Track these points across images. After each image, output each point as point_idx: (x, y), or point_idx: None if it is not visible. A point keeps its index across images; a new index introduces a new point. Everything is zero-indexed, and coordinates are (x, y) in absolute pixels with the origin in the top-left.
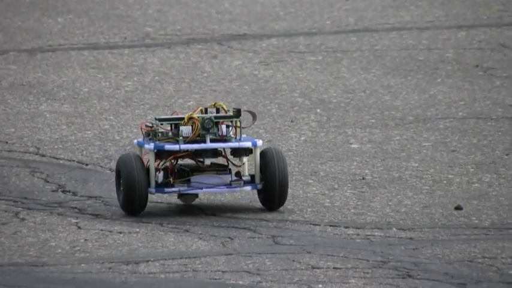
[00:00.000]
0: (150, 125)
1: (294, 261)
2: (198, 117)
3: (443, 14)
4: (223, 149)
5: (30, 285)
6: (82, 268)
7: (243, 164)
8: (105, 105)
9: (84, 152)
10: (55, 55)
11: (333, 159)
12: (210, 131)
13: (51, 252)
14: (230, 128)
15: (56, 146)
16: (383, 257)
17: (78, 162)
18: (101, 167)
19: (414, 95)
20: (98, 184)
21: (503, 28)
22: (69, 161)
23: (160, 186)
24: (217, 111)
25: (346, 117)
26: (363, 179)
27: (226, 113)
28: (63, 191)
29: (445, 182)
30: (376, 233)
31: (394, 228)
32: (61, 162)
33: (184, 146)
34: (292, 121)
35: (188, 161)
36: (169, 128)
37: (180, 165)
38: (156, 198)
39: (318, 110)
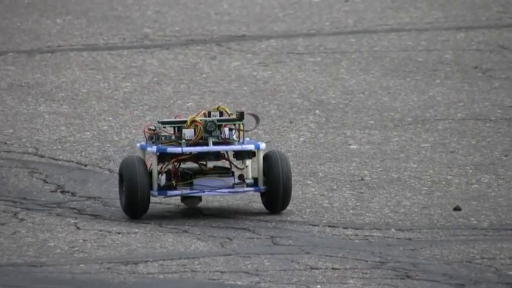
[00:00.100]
0: (153, 128)
1: (292, 261)
2: (201, 120)
3: (442, 16)
4: (226, 151)
5: (29, 285)
6: (81, 268)
7: (246, 166)
8: (104, 106)
9: (83, 152)
10: (54, 56)
11: (331, 160)
12: (213, 134)
13: (50, 252)
14: (233, 131)
15: (54, 147)
16: (382, 258)
17: (77, 163)
18: (100, 167)
19: (413, 96)
20: (96, 185)
21: (502, 29)
22: (68, 161)
23: (163, 189)
24: (221, 114)
25: (345, 118)
26: (362, 179)
27: (229, 116)
28: (62, 192)
29: (443, 182)
30: (374, 234)
31: (393, 229)
32: (60, 163)
33: (186, 149)
34: (291, 122)
35: (191, 164)
36: (172, 131)
37: (183, 168)
38: (154, 199)
39: (317, 111)
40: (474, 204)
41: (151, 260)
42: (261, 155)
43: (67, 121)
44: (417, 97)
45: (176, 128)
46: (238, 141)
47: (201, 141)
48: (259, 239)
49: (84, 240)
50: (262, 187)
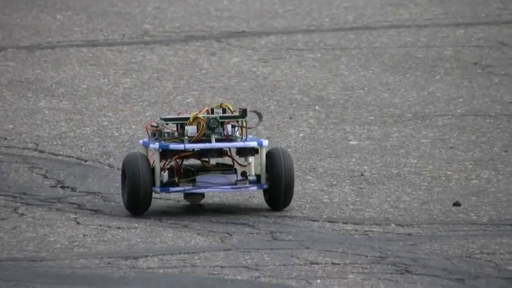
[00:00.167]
0: (156, 125)
1: (292, 256)
2: (204, 117)
3: (442, 12)
4: (229, 148)
5: (29, 280)
6: (81, 263)
7: (249, 163)
8: (103, 102)
9: (83, 148)
10: (54, 52)
11: (331, 156)
12: (216, 130)
13: (50, 247)
14: (236, 128)
15: (54, 142)
16: (381, 253)
17: (77, 158)
18: (100, 163)
19: (413, 92)
20: (96, 180)
21: (501, 26)
22: (68, 157)
23: (166, 186)
24: (224, 111)
25: (344, 114)
26: (362, 175)
27: (232, 113)
28: (62, 187)
29: (443, 178)
30: (374, 229)
31: (393, 224)
32: (60, 158)
33: (189, 146)
34: (290, 118)
35: (194, 161)
36: (174, 128)
37: (186, 165)
38: (154, 194)
39: (317, 107)
40: (474, 199)
41: (151, 254)
42: (263, 152)
43: (67, 117)
44: (417, 93)
45: (179, 125)
46: (241, 138)
47: (203, 138)
48: (259, 234)
49: (84, 235)
50: (264, 184)
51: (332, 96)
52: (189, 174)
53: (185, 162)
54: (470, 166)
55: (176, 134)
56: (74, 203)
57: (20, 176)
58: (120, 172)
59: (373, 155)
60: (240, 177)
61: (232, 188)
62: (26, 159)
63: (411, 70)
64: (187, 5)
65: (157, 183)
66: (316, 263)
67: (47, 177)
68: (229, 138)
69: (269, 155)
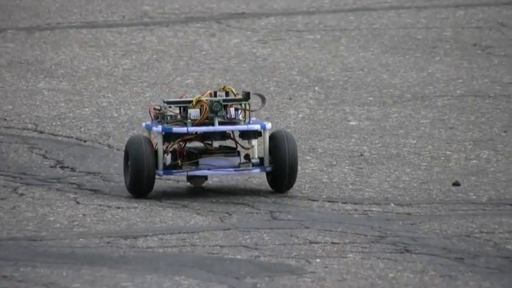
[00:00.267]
0: (159, 108)
1: (292, 236)
2: (207, 100)
3: None
4: (232, 131)
5: (28, 259)
6: (80, 243)
7: (252, 146)
8: (103, 83)
9: (83, 128)
10: (53, 33)
11: (331, 136)
12: (219, 113)
13: (50, 227)
14: (239, 111)
15: (54, 123)
16: (381, 232)
17: (77, 138)
18: (99, 143)
19: (412, 73)
20: (96, 160)
21: (501, 7)
22: (68, 137)
23: (169, 169)
24: (227, 94)
25: (344, 95)
26: (361, 155)
27: (235, 96)
28: (61, 167)
29: (443, 158)
30: (374, 209)
31: (392, 204)
32: (59, 138)
33: (192, 129)
34: (290, 99)
35: (197, 144)
36: (177, 111)
37: (189, 147)
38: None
39: (316, 88)
40: (473, 179)
41: (150, 234)
42: (267, 135)
43: (66, 97)
44: (416, 74)
45: (182, 108)
46: (244, 121)
47: (206, 121)
48: (258, 214)
49: (84, 214)
50: (268, 167)
51: (332, 77)
52: (192, 157)
53: (188, 145)
54: (470, 146)
55: (179, 117)
56: (74, 183)
57: (20, 156)
58: (122, 154)
59: (372, 136)
60: (243, 160)
61: (235, 170)
62: (26, 140)
63: (411, 51)
64: None
65: (161, 166)
66: (316, 243)
67: (46, 158)
68: (233, 121)
69: (272, 137)
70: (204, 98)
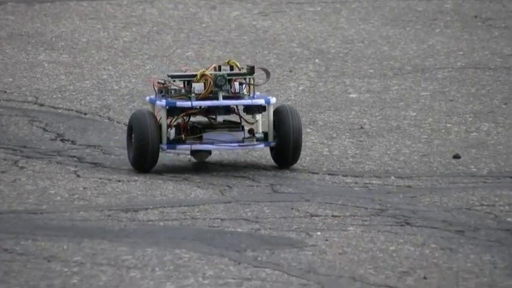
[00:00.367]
0: (163, 82)
1: (292, 209)
2: (211, 74)
3: None
4: (236, 106)
5: (29, 232)
6: (81, 216)
7: (256, 121)
8: (103, 56)
9: (83, 101)
10: (53, 6)
11: (331, 109)
12: (223, 88)
13: (50, 200)
14: (243, 86)
15: (54, 96)
16: (381, 205)
17: (77, 111)
18: (100, 116)
19: (413, 45)
20: (96, 133)
21: None
22: (68, 110)
23: (172, 143)
24: (231, 68)
25: (344, 67)
26: (361, 128)
27: (239, 70)
28: (61, 140)
29: (443, 131)
30: (374, 182)
31: (393, 177)
32: (60, 111)
33: (196, 103)
34: (290, 71)
35: (201, 118)
36: (181, 85)
37: (193, 122)
38: None
39: (317, 60)
40: (473, 152)
41: (151, 207)
42: (271, 110)
43: (67, 70)
44: (417, 46)
45: (186, 82)
46: (249, 95)
47: (211, 95)
48: (259, 187)
49: (84, 188)
50: (272, 142)
51: (332, 49)
52: (195, 132)
53: (192, 119)
54: (470, 119)
55: (183, 91)
56: (74, 156)
57: (20, 129)
58: (122, 127)
59: (372, 108)
60: (247, 135)
61: (239, 145)
62: (26, 113)
63: (411, 23)
64: None
65: (164, 140)
66: (316, 216)
67: (46, 131)
68: (237, 96)
69: (277, 112)
70: (208, 72)
